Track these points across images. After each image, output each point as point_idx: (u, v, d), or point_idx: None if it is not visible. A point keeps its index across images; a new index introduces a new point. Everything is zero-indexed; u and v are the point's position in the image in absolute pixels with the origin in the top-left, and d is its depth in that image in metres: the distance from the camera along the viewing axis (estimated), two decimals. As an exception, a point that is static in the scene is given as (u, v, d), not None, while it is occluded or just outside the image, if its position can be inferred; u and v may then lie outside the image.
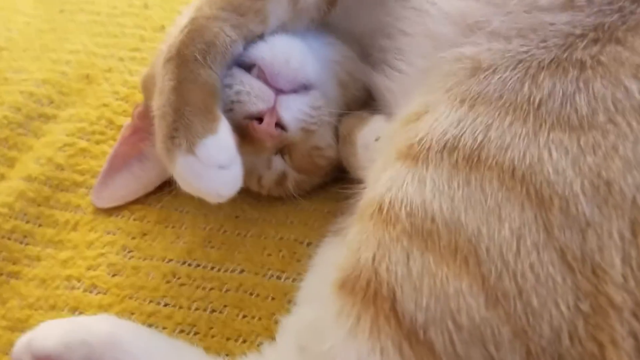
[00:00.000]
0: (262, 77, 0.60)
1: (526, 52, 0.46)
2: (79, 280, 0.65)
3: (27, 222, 0.74)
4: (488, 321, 0.38)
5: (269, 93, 0.59)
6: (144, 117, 0.70)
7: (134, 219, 0.71)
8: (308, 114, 0.61)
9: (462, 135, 0.43)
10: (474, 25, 0.50)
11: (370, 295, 0.41)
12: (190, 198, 0.65)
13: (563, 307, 0.37)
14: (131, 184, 0.72)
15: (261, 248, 0.65)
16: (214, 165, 0.54)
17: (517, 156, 0.41)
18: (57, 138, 0.81)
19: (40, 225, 0.74)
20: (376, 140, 0.59)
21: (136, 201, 0.73)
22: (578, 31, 0.45)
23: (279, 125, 0.60)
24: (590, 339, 0.37)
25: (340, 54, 0.67)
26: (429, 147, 0.44)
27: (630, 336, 0.36)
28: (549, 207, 0.39)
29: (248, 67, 0.60)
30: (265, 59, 0.59)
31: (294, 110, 0.60)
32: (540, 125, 0.41)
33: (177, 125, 0.54)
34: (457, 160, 0.42)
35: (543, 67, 0.44)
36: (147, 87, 0.69)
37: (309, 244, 0.65)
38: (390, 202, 0.43)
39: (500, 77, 0.45)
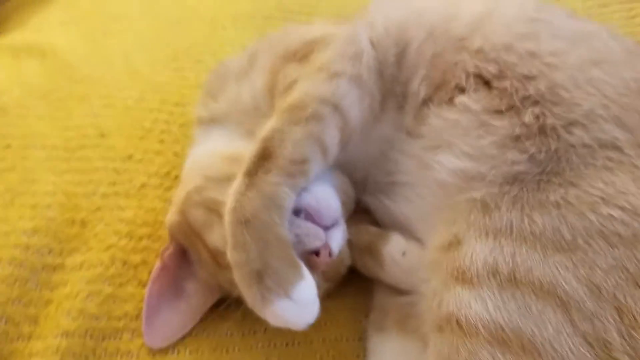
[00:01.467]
0: (310, 219, 0.75)
1: (516, 195, 0.67)
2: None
3: (79, 378, 0.81)
4: None
5: (321, 232, 0.75)
6: (174, 258, 0.83)
7: (190, 352, 0.81)
8: (343, 239, 0.78)
9: (497, 262, 0.63)
10: (473, 177, 0.70)
11: None
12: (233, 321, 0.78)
13: None
14: (177, 318, 0.83)
15: (313, 352, 0.80)
16: (308, 304, 0.69)
17: (540, 274, 0.61)
18: (79, 288, 0.87)
19: None
20: (403, 255, 0.77)
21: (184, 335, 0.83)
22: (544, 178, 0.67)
23: (330, 254, 0.76)
24: None
25: (340, 179, 0.83)
26: (477, 274, 0.63)
27: None
28: (569, 309, 0.60)
29: (295, 212, 0.75)
30: (312, 205, 0.75)
31: (338, 240, 0.77)
32: (546, 250, 0.62)
33: (267, 275, 0.68)
34: (501, 281, 0.62)
35: (532, 206, 0.65)
36: (179, 231, 0.83)
37: (347, 339, 0.81)
38: (466, 319, 0.61)
39: (505, 216, 0.65)
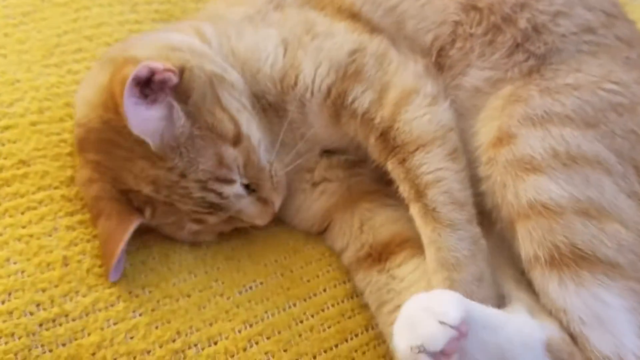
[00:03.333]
0: None
1: (539, 82, 0.88)
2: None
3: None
4: None
5: None
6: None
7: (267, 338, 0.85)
8: None
9: (553, 146, 0.81)
10: (497, 81, 0.91)
11: None
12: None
13: None
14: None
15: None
16: None
17: (586, 149, 0.81)
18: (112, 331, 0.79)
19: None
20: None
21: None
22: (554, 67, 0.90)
23: None
24: None
25: None
26: (542, 160, 0.80)
27: None
28: (611, 173, 0.81)
29: None
30: None
31: None
32: (581, 128, 0.82)
33: None
34: (563, 161, 0.80)
35: (557, 91, 0.86)
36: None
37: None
38: (551, 200, 0.78)
39: (539, 102, 0.84)
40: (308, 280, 0.94)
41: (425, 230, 0.83)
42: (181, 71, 0.83)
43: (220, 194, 0.84)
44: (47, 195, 0.89)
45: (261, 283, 0.91)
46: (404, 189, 0.85)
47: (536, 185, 0.78)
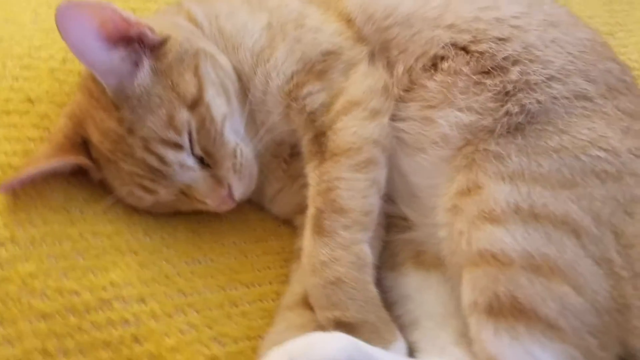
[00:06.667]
0: None
1: (521, 143, 0.81)
2: None
3: (69, 356, 0.76)
4: None
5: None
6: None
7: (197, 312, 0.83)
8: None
9: (517, 201, 0.77)
10: (481, 130, 0.84)
11: None
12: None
13: None
14: None
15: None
16: None
17: (553, 208, 0.76)
18: (47, 265, 0.81)
19: (84, 354, 0.77)
20: None
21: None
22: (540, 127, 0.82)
23: None
24: None
25: None
26: (503, 212, 0.76)
27: None
28: (580, 235, 0.75)
29: None
30: None
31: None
32: (554, 188, 0.77)
33: (364, 331, 0.78)
34: (524, 217, 0.76)
35: (537, 152, 0.80)
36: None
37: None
38: (501, 251, 0.74)
39: (516, 161, 0.79)
40: (258, 270, 0.92)
41: (306, 233, 0.84)
42: (167, 38, 0.87)
43: (162, 158, 0.84)
44: (37, 135, 0.94)
45: (211, 260, 0.91)
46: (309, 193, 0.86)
47: (490, 235, 0.76)
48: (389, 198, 0.93)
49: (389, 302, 0.88)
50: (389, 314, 0.84)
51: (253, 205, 1.01)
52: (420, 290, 0.88)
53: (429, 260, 0.89)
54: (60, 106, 0.98)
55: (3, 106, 0.95)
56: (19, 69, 1.00)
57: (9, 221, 0.83)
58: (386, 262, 0.92)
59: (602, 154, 0.79)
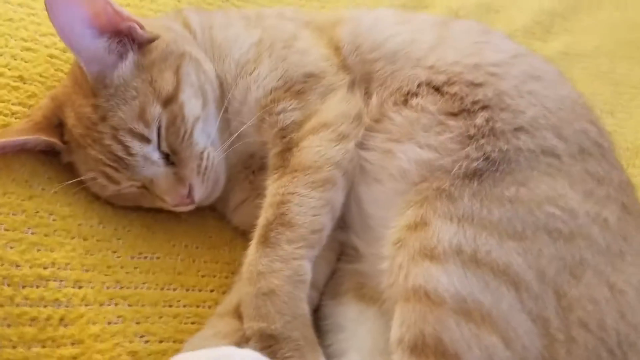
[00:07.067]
0: None
1: (475, 188, 0.79)
2: (104, 373, 0.74)
3: (-7, 323, 0.77)
4: None
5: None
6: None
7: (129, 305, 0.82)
8: None
9: (461, 243, 0.75)
10: (437, 169, 0.82)
11: None
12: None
13: None
14: None
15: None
16: None
17: (497, 257, 0.74)
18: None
19: (9, 326, 0.77)
20: None
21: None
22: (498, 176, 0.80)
23: None
24: None
25: None
26: (444, 251, 0.74)
27: None
28: (519, 288, 0.73)
29: None
30: None
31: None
32: (502, 237, 0.75)
33: (287, 347, 0.77)
34: (465, 260, 0.74)
35: (490, 200, 0.77)
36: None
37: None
38: (434, 290, 0.71)
39: (468, 205, 0.77)
40: (202, 276, 0.92)
41: (252, 243, 0.84)
42: (155, 36, 0.91)
43: (127, 149, 0.86)
44: (21, 112, 0.97)
45: (157, 257, 0.92)
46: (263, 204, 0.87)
47: (427, 272, 0.74)
48: (344, 227, 0.93)
49: (323, 329, 0.88)
50: (321, 341, 0.84)
51: (215, 213, 1.02)
52: (355, 322, 0.87)
53: (370, 294, 0.88)
54: (49, 90, 1.02)
55: (-4, 80, 1.00)
56: (20, 49, 1.04)
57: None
58: (330, 289, 0.92)
59: (557, 212, 0.77)
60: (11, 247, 0.83)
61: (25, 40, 1.05)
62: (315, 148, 0.87)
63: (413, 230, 0.78)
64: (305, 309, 0.80)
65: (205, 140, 0.91)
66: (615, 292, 0.75)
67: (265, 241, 0.81)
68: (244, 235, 0.98)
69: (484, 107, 0.85)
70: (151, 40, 0.91)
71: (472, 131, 0.83)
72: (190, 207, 0.92)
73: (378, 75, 0.94)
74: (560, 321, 0.72)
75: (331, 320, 0.88)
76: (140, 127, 0.86)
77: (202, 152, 0.90)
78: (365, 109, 0.92)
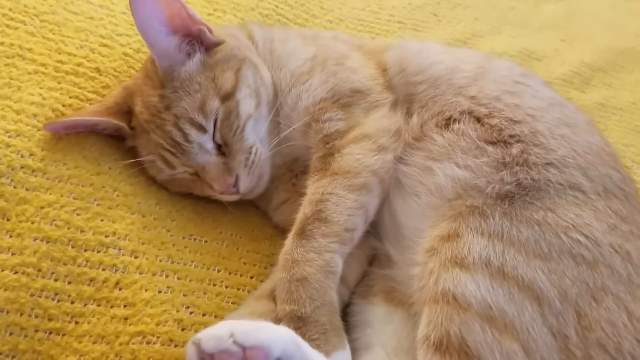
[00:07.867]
0: None
1: (507, 209, 0.86)
2: (153, 335, 0.82)
3: (56, 280, 0.85)
4: None
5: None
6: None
7: (178, 279, 0.90)
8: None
9: (489, 257, 0.82)
10: (472, 188, 0.90)
11: None
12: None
13: None
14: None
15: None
16: None
17: (522, 272, 0.80)
18: (65, 200, 0.91)
19: (70, 283, 0.85)
20: None
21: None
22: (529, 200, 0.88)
23: None
24: None
25: None
26: (473, 262, 0.81)
27: None
28: (542, 304, 0.79)
29: None
30: None
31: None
32: (528, 255, 0.81)
33: (315, 330, 0.83)
34: (492, 272, 0.81)
35: (520, 220, 0.85)
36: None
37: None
38: (462, 295, 0.78)
39: (498, 223, 0.84)
40: (244, 263, 1.00)
41: (289, 234, 0.92)
42: (221, 41, 1.03)
43: (186, 136, 0.95)
44: (95, 98, 1.07)
45: (205, 241, 1.00)
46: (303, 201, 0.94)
47: (456, 278, 0.80)
48: (377, 235, 1.01)
49: (352, 324, 0.95)
50: (349, 334, 0.90)
51: (258, 210, 1.11)
52: (382, 322, 0.93)
53: (399, 298, 0.94)
54: (120, 83, 1.13)
55: (75, 68, 1.10)
56: (98, 45, 1.15)
57: (46, 156, 0.95)
58: (361, 290, 0.99)
59: (582, 239, 0.83)
60: (78, 214, 0.92)
61: (103, 37, 1.17)
62: (355, 155, 0.95)
63: (446, 241, 0.85)
64: (333, 297, 0.86)
65: (255, 137, 1.00)
66: (633, 319, 0.80)
67: (302, 233, 0.89)
68: (284, 233, 1.05)
69: (520, 141, 0.93)
70: (217, 43, 1.02)
71: (508, 159, 0.91)
72: (235, 197, 1.01)
73: (420, 97, 1.03)
74: (580, 339, 0.77)
75: (360, 317, 0.95)
76: (199, 118, 0.96)
77: (250, 147, 0.99)
78: (405, 127, 1.00)
